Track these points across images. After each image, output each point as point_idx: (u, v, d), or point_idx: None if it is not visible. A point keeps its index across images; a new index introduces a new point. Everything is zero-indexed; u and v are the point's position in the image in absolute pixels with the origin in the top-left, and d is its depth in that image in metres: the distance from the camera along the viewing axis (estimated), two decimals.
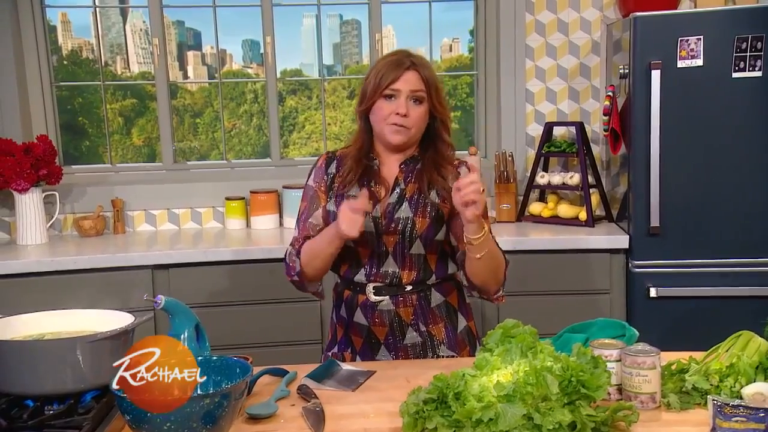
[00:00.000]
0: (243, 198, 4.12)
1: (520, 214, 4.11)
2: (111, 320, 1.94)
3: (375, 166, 2.36)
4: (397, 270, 2.28)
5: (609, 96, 3.73)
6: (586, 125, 4.11)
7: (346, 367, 2.16)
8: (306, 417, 1.80)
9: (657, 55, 3.47)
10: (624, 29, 3.69)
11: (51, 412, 1.75)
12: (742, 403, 1.60)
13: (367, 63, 4.43)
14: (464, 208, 2.05)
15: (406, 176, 2.33)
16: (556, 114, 4.22)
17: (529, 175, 4.12)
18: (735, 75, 3.45)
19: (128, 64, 4.48)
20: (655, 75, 3.45)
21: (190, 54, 4.59)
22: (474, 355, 2.16)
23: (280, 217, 4.12)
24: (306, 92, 4.61)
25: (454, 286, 2.40)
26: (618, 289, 3.66)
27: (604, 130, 3.77)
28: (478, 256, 2.16)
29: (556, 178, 4.02)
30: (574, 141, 4.00)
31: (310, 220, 2.37)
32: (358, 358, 2.36)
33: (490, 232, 2.26)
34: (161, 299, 1.92)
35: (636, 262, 3.59)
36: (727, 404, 1.59)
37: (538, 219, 4.04)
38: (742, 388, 1.73)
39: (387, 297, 2.29)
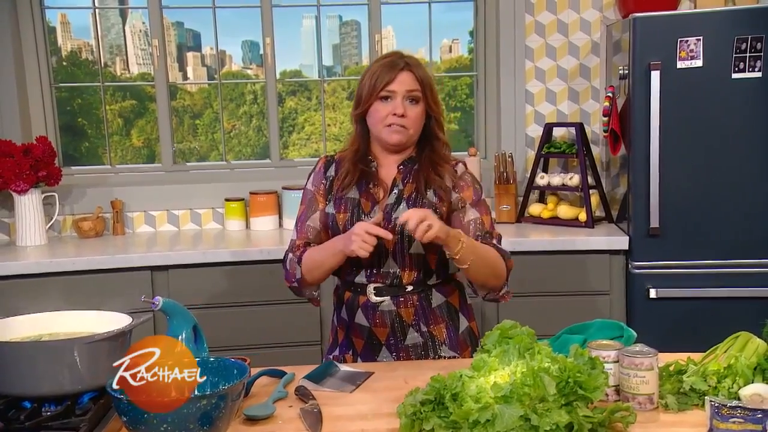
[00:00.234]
0: (242, 199, 4.12)
1: (520, 215, 4.11)
2: (108, 321, 1.95)
3: (373, 168, 2.36)
4: (398, 270, 2.28)
5: (608, 97, 3.72)
6: (585, 126, 4.11)
7: (344, 368, 2.16)
8: (303, 418, 1.80)
9: (656, 55, 3.47)
10: (623, 30, 3.69)
11: (48, 413, 1.75)
12: (740, 405, 1.60)
13: (367, 64, 4.42)
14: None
15: (404, 177, 2.34)
16: (555, 115, 4.22)
17: (528, 176, 4.12)
18: (734, 76, 3.45)
19: (128, 65, 4.48)
20: (655, 76, 3.44)
21: (190, 55, 4.59)
22: None
23: (280, 218, 4.12)
24: (305, 93, 4.61)
25: (455, 286, 2.40)
26: (618, 290, 3.65)
27: (604, 131, 3.77)
28: (466, 266, 2.17)
29: (556, 179, 4.02)
30: (574, 142, 4.00)
31: (308, 223, 2.39)
32: (359, 359, 2.36)
33: (489, 234, 2.26)
34: (159, 300, 1.92)
35: (636, 263, 3.59)
36: (725, 405, 1.59)
37: (537, 220, 4.04)
38: (740, 389, 1.73)
39: (388, 298, 2.29)
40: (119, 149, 4.50)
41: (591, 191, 3.93)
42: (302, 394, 1.94)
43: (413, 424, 1.63)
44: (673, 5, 3.84)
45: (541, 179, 4.06)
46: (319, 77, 4.49)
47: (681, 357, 1.97)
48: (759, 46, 3.40)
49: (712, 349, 1.92)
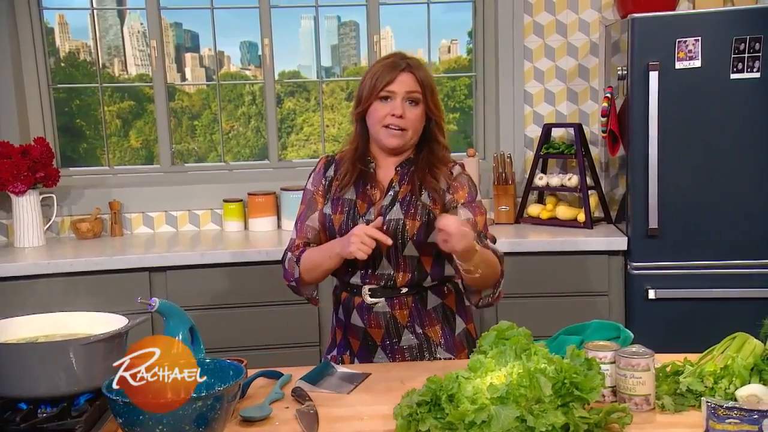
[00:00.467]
0: (241, 200, 4.11)
1: (519, 216, 4.11)
2: (105, 323, 1.95)
3: (371, 168, 2.36)
4: (391, 272, 2.28)
5: (607, 97, 3.72)
6: (584, 127, 4.11)
7: (341, 369, 2.15)
8: (300, 419, 1.80)
9: (655, 56, 3.46)
10: (622, 30, 3.69)
11: (44, 414, 1.75)
12: (736, 405, 1.60)
13: (366, 64, 4.43)
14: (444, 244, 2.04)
15: (401, 179, 2.34)
16: (554, 115, 4.21)
17: (527, 176, 4.12)
18: (733, 76, 3.45)
19: (126, 66, 4.48)
20: (653, 76, 3.44)
21: (188, 56, 4.59)
22: None
23: (278, 219, 4.12)
24: (304, 94, 4.61)
25: (451, 288, 2.39)
26: (616, 290, 3.65)
27: (603, 132, 3.76)
28: (477, 275, 2.15)
29: (555, 180, 4.02)
30: (573, 142, 4.00)
31: (307, 222, 2.39)
32: (356, 360, 2.36)
33: (483, 235, 2.26)
34: (155, 302, 1.92)
35: (634, 264, 3.58)
36: (721, 406, 1.59)
37: (536, 221, 4.03)
38: (736, 389, 1.73)
39: (382, 299, 2.29)
40: (117, 150, 4.50)
41: (590, 192, 3.92)
42: (299, 396, 1.93)
43: (409, 425, 1.63)
44: (672, 6, 3.84)
45: (540, 180, 4.05)
46: (317, 78, 4.49)
47: (678, 358, 1.96)
48: (757, 46, 3.40)
49: (709, 349, 1.92)
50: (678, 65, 3.46)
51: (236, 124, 4.59)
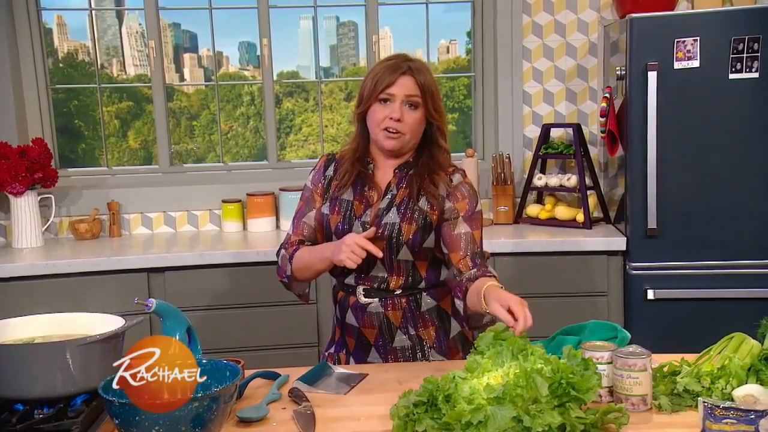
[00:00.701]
0: (240, 200, 4.11)
1: (518, 216, 4.10)
2: (102, 323, 1.95)
3: (369, 170, 2.35)
4: (385, 275, 2.28)
5: (606, 97, 3.72)
6: (583, 127, 4.11)
7: (338, 370, 2.15)
8: (297, 420, 1.80)
9: (654, 56, 3.46)
10: (621, 30, 3.68)
11: (41, 415, 1.75)
12: (733, 405, 1.59)
13: (364, 65, 4.43)
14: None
15: (399, 181, 2.32)
16: (553, 116, 4.21)
17: (526, 177, 4.11)
18: (732, 76, 3.44)
19: (124, 67, 4.48)
20: (652, 76, 3.44)
21: (187, 56, 4.59)
22: None
23: (277, 219, 4.11)
24: (303, 94, 4.61)
25: (447, 291, 2.36)
26: (615, 291, 3.65)
27: (602, 132, 3.76)
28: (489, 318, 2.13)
29: (554, 180, 4.01)
30: (572, 143, 4.00)
31: (304, 220, 2.39)
32: (351, 359, 2.36)
33: (481, 256, 2.27)
34: (152, 302, 1.92)
35: (633, 264, 3.58)
36: (718, 406, 1.59)
37: (535, 221, 4.03)
38: (733, 390, 1.72)
39: (376, 299, 2.29)
40: (116, 151, 4.50)
41: (589, 192, 3.92)
42: (296, 396, 1.93)
43: (406, 425, 1.63)
44: (670, 6, 3.84)
45: (539, 180, 4.05)
46: (316, 78, 4.48)
47: (675, 358, 1.96)
48: (756, 46, 3.40)
49: (706, 350, 1.91)
50: (677, 65, 3.46)
51: (235, 124, 4.59)
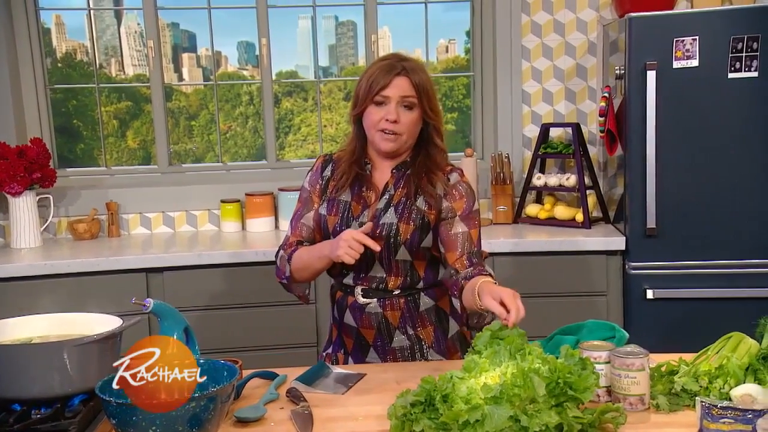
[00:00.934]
0: (238, 200, 4.11)
1: (517, 216, 4.10)
2: (99, 324, 1.94)
3: (367, 170, 2.35)
4: (384, 275, 2.27)
5: (605, 97, 3.72)
6: (582, 126, 4.10)
7: (336, 370, 2.15)
8: (294, 420, 1.80)
9: (653, 55, 3.46)
10: (620, 30, 3.68)
11: (38, 416, 1.75)
12: (730, 405, 1.59)
13: (363, 64, 4.42)
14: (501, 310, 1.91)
15: (397, 182, 2.32)
16: (552, 115, 4.21)
17: (525, 176, 4.11)
18: (731, 75, 3.44)
19: (123, 67, 4.48)
20: (651, 76, 3.43)
21: (185, 56, 4.58)
22: None
23: (276, 219, 4.11)
24: (302, 94, 4.61)
25: (445, 290, 2.37)
26: (615, 290, 3.64)
27: (601, 131, 3.76)
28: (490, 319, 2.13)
29: (553, 180, 4.01)
30: (571, 142, 4.00)
31: (302, 221, 2.39)
32: (350, 359, 2.36)
33: (478, 255, 2.26)
34: (150, 302, 1.92)
35: (633, 264, 3.58)
36: (715, 406, 1.59)
37: (534, 221, 4.03)
38: (731, 389, 1.72)
39: (374, 300, 2.29)
40: (114, 151, 4.49)
41: (588, 192, 3.92)
42: (294, 396, 1.93)
43: (403, 425, 1.63)
44: (670, 5, 3.84)
45: (538, 180, 4.05)
46: (315, 78, 4.48)
47: (673, 357, 1.96)
48: (755, 45, 3.39)
49: (704, 349, 1.91)
50: (676, 64, 3.46)
51: (234, 124, 4.58)
